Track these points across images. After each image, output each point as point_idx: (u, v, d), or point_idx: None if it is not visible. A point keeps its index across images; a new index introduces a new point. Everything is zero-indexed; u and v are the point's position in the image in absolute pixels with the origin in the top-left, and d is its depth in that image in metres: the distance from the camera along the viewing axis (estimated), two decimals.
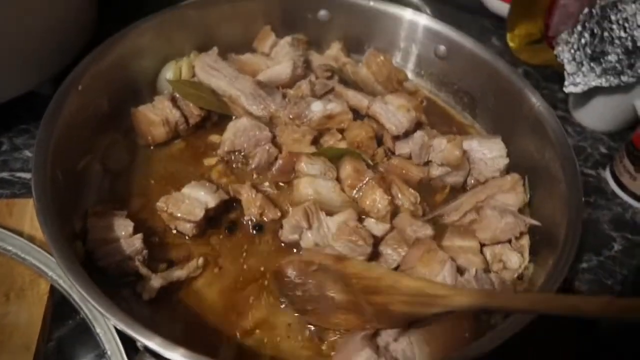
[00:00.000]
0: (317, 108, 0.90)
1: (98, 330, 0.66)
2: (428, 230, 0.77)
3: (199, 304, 0.72)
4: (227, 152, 0.87)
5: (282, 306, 0.72)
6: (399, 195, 0.82)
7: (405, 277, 0.65)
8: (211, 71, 0.94)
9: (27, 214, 0.79)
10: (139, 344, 0.58)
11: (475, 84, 0.98)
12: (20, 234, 0.75)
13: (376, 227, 0.77)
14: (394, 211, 0.80)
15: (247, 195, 0.80)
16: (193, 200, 0.76)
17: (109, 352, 0.65)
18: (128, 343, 0.65)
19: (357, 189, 0.81)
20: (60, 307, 0.73)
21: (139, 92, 0.93)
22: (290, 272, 0.69)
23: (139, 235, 0.72)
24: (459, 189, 0.88)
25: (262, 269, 0.76)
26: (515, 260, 0.77)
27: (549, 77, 1.20)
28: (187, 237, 0.78)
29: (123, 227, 0.73)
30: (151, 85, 0.95)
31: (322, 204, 0.78)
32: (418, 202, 0.82)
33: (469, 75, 0.98)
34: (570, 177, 0.76)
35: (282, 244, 0.78)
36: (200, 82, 0.93)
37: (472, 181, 0.88)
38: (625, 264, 0.89)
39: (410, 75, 1.06)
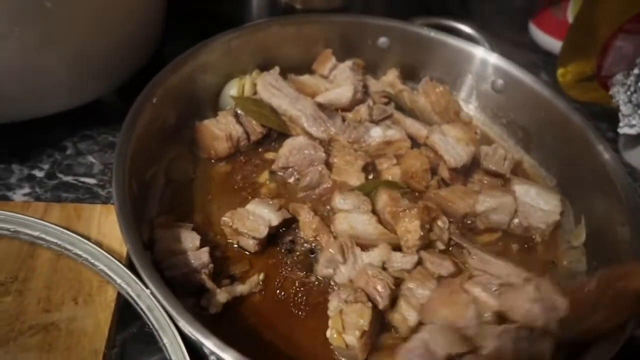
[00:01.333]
0: (377, 134, 0.92)
1: (165, 340, 0.67)
2: (449, 267, 0.75)
3: (258, 319, 0.73)
4: (281, 168, 0.89)
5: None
6: (437, 230, 0.81)
7: None
8: (273, 90, 0.97)
9: (95, 219, 0.81)
10: (212, 358, 0.59)
11: (532, 119, 0.98)
12: (87, 239, 0.77)
13: (402, 260, 0.75)
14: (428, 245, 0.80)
15: (304, 216, 0.82)
16: (257, 217, 0.78)
17: None
18: (195, 354, 0.65)
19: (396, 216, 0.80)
20: (125, 315, 0.74)
21: (202, 107, 0.96)
22: None
23: (206, 249, 0.74)
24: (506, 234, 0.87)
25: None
26: None
27: (597, 114, 1.20)
28: (247, 253, 0.79)
29: (190, 240, 0.75)
30: (214, 101, 0.98)
31: (358, 238, 0.78)
32: (446, 227, 0.81)
33: (525, 110, 0.99)
34: (633, 217, 0.76)
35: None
36: (262, 100, 0.96)
37: (517, 222, 0.87)
38: None
39: (464, 106, 1.07)
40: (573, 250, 0.87)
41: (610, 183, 0.81)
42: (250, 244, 0.78)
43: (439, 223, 0.82)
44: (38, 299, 0.71)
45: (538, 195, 0.87)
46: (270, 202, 0.81)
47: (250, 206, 0.80)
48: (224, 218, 0.78)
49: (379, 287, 0.69)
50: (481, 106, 1.06)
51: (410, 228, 0.76)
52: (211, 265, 0.74)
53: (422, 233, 0.76)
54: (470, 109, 1.08)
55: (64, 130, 0.98)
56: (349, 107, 0.99)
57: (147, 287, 0.70)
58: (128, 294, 0.71)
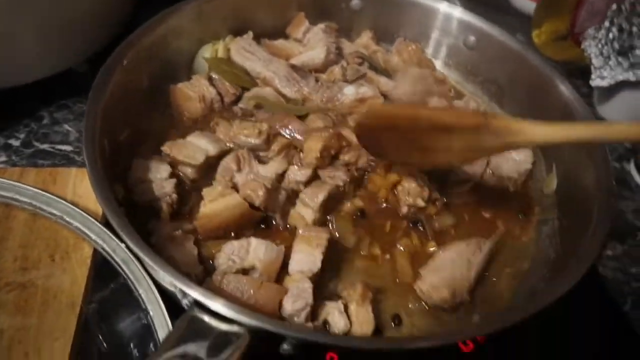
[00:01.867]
0: (350, 92, 0.93)
1: (140, 291, 0.68)
2: (342, 176, 0.81)
3: None
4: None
5: None
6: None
7: (463, 112, 0.77)
8: (246, 54, 0.97)
9: (70, 182, 0.81)
10: (184, 301, 0.60)
11: (504, 73, 0.99)
12: (63, 200, 0.77)
13: (297, 173, 0.80)
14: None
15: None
16: (195, 147, 0.81)
17: (151, 313, 0.66)
18: (170, 302, 0.66)
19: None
20: (101, 272, 0.75)
21: (176, 72, 0.95)
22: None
23: (172, 181, 0.77)
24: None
25: None
26: None
27: (573, 72, 1.21)
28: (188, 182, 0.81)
29: (161, 170, 0.78)
30: (188, 66, 0.98)
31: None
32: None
33: (497, 65, 1.00)
34: (600, 161, 0.77)
35: None
36: (235, 63, 0.96)
37: (490, 172, 0.88)
38: None
39: (438, 65, 1.08)
40: (545, 198, 0.88)
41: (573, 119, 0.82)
42: (189, 172, 0.80)
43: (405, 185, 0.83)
44: (14, 257, 0.72)
45: None
46: (210, 134, 0.84)
47: (190, 137, 0.82)
48: (162, 147, 0.81)
49: (258, 190, 0.75)
50: (455, 63, 1.07)
51: (312, 147, 0.79)
52: (174, 196, 0.77)
53: (318, 155, 0.79)
54: (445, 67, 1.08)
55: (40, 101, 0.99)
56: (323, 68, 0.99)
57: (122, 241, 0.72)
58: (104, 249, 0.72)
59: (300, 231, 0.75)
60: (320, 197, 0.77)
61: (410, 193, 0.81)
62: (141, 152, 0.82)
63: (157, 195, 0.75)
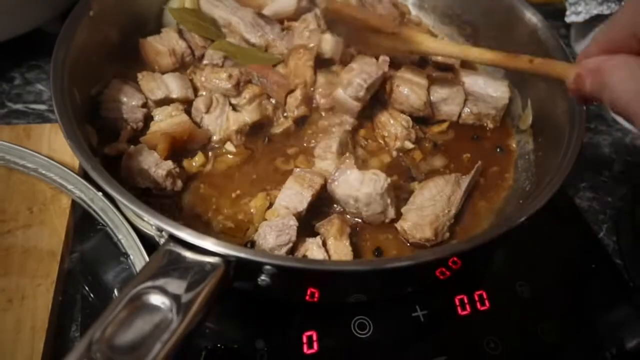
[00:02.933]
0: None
1: (120, 236, 0.69)
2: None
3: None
4: None
5: None
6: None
7: (383, 19, 0.89)
8: (215, 2, 0.96)
9: (45, 137, 0.81)
10: (161, 241, 0.61)
11: (478, 13, 0.99)
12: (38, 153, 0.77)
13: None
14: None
15: None
16: (162, 84, 0.82)
17: (131, 257, 0.67)
18: (149, 246, 0.67)
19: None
20: (81, 223, 0.76)
21: (146, 25, 0.94)
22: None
23: (144, 110, 0.80)
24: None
25: None
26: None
27: (550, 13, 1.19)
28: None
29: (135, 97, 0.80)
30: (158, 19, 0.96)
31: None
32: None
33: (471, 4, 0.99)
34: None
35: None
36: (202, 12, 0.94)
37: (467, 110, 0.89)
38: (624, 183, 0.92)
39: (413, 10, 1.07)
40: (521, 133, 0.89)
41: (545, 52, 0.82)
42: (150, 104, 0.82)
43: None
44: None
45: (486, 84, 0.89)
46: (187, 80, 0.85)
47: (166, 75, 0.84)
48: (138, 73, 0.83)
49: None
50: (430, 7, 1.06)
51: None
52: (140, 124, 0.80)
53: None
54: (421, 11, 1.07)
55: (11, 62, 0.97)
56: (295, 16, 0.98)
57: (99, 189, 0.72)
58: (81, 199, 0.73)
59: (296, 170, 0.76)
60: (334, 147, 0.79)
61: (398, 137, 0.83)
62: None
63: (124, 117, 0.78)
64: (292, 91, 0.84)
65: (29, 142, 0.80)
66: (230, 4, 0.95)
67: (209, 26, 0.92)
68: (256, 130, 0.83)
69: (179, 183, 0.75)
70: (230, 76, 0.81)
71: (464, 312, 0.74)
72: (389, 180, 0.72)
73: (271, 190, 0.77)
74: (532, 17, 0.87)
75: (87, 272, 0.72)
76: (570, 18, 1.03)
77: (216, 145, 0.81)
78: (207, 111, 0.80)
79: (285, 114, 0.85)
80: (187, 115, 0.79)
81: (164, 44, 0.89)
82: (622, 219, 0.87)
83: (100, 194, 0.71)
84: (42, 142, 0.81)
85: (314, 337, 0.70)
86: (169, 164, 0.73)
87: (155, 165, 0.72)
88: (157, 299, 0.50)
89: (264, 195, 0.76)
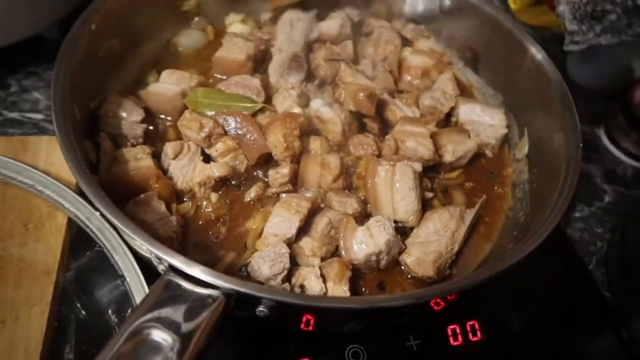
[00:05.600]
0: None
1: (116, 258, 0.68)
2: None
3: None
4: None
5: None
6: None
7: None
8: None
9: (42, 150, 0.80)
10: (160, 267, 0.61)
11: (479, 39, 0.99)
12: (35, 168, 0.76)
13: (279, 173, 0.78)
14: None
15: None
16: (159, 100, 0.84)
17: (128, 279, 0.67)
18: (147, 269, 0.67)
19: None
20: (77, 240, 0.76)
21: (148, 37, 0.93)
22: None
23: (144, 125, 0.80)
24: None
25: None
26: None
27: (548, 38, 1.22)
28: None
29: (135, 113, 0.80)
30: (160, 31, 0.95)
31: None
32: None
33: (472, 30, 1.00)
34: (570, 125, 0.79)
35: None
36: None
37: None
38: (615, 214, 0.93)
39: (417, 38, 1.05)
40: (517, 162, 0.90)
41: (546, 85, 0.84)
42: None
43: None
44: None
45: (483, 112, 0.90)
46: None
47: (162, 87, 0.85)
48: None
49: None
50: (431, 30, 1.06)
51: (275, 141, 0.77)
52: (140, 140, 0.80)
53: (284, 145, 0.77)
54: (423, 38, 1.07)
55: (7, 68, 0.96)
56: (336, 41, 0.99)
57: (96, 209, 0.71)
58: (78, 217, 0.72)
59: (283, 196, 0.75)
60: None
61: None
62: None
63: (124, 133, 0.78)
64: (267, 155, 0.79)
65: (25, 155, 0.79)
66: None
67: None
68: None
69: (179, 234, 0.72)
70: (201, 127, 0.78)
71: (456, 343, 0.75)
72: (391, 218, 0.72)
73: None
74: (533, 49, 0.88)
75: (82, 292, 0.72)
76: (568, 47, 1.04)
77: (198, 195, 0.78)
78: (175, 158, 0.77)
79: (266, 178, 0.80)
80: (152, 161, 0.75)
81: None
82: (611, 250, 0.89)
83: (97, 213, 0.71)
84: (39, 155, 0.80)
85: None
86: (173, 223, 0.71)
87: (160, 220, 0.70)
88: (158, 335, 0.50)
89: (260, 215, 0.77)
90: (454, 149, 0.85)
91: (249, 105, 0.84)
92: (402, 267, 0.74)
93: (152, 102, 0.84)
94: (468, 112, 0.91)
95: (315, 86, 0.92)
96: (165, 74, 0.87)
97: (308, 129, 0.83)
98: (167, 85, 0.85)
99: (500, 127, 0.90)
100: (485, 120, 0.90)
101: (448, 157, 0.85)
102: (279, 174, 0.77)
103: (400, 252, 0.74)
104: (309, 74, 0.93)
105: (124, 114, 0.80)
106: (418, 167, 0.79)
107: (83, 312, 0.70)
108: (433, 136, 0.84)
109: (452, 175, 0.88)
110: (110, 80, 0.85)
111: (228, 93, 0.85)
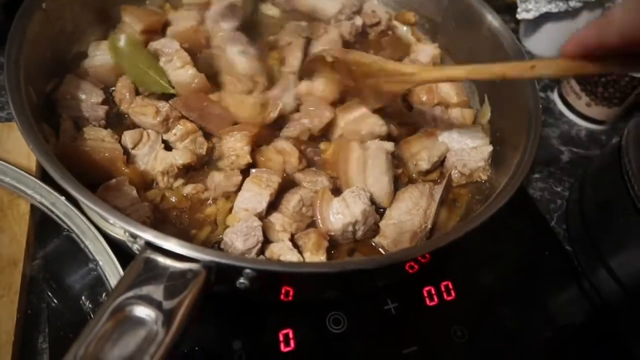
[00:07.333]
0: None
1: (87, 242, 0.66)
2: None
3: None
4: None
5: None
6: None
7: (389, 61, 0.77)
8: None
9: None
10: (135, 247, 0.60)
11: (437, 10, 1.01)
12: None
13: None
14: None
15: None
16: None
17: (101, 263, 0.65)
18: (119, 251, 0.65)
19: None
20: (42, 227, 0.73)
21: (104, 15, 0.89)
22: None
23: (105, 107, 0.77)
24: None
25: None
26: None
27: (500, 8, 1.23)
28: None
29: (94, 94, 0.78)
30: (116, 9, 0.91)
31: None
32: None
33: (431, 1, 1.01)
34: (529, 91, 0.82)
35: None
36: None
37: (457, 174, 0.83)
38: (572, 173, 0.98)
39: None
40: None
41: (502, 52, 0.86)
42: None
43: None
44: None
45: (461, 136, 0.86)
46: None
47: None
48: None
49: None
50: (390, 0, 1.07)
51: (238, 151, 0.75)
52: (103, 122, 0.77)
53: (248, 158, 0.75)
54: (379, 3, 1.07)
55: None
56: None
57: (62, 194, 0.69)
58: (42, 204, 0.70)
59: (253, 171, 0.74)
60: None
61: None
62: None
63: (85, 115, 0.76)
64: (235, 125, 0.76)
65: None
66: None
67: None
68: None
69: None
70: (157, 111, 0.75)
71: (432, 303, 0.77)
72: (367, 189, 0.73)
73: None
74: (490, 17, 0.90)
75: (52, 279, 0.70)
76: (521, 15, 1.07)
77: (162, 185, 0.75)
78: (134, 147, 0.74)
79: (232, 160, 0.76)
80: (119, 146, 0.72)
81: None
82: (571, 207, 0.93)
83: (63, 198, 0.68)
84: None
85: (290, 335, 0.71)
86: (146, 209, 0.68)
87: (132, 205, 0.68)
88: (141, 311, 0.50)
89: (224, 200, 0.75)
90: (429, 155, 0.82)
91: (160, 86, 0.79)
92: (380, 250, 0.74)
93: (100, 77, 0.81)
94: (448, 140, 0.85)
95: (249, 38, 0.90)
96: (92, 47, 0.83)
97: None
98: (99, 57, 0.82)
99: (483, 146, 0.84)
100: (467, 145, 0.84)
101: (424, 165, 0.82)
102: (231, 183, 0.74)
103: (375, 233, 0.74)
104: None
105: (82, 96, 0.77)
106: (390, 146, 0.79)
107: (55, 301, 0.68)
108: (403, 145, 0.83)
109: (433, 177, 0.85)
110: (66, 62, 0.82)
111: (153, 61, 0.81)
